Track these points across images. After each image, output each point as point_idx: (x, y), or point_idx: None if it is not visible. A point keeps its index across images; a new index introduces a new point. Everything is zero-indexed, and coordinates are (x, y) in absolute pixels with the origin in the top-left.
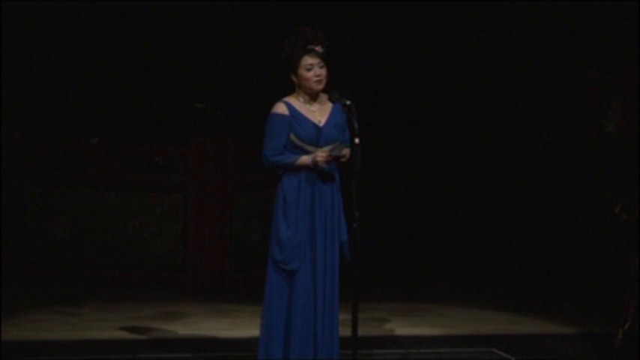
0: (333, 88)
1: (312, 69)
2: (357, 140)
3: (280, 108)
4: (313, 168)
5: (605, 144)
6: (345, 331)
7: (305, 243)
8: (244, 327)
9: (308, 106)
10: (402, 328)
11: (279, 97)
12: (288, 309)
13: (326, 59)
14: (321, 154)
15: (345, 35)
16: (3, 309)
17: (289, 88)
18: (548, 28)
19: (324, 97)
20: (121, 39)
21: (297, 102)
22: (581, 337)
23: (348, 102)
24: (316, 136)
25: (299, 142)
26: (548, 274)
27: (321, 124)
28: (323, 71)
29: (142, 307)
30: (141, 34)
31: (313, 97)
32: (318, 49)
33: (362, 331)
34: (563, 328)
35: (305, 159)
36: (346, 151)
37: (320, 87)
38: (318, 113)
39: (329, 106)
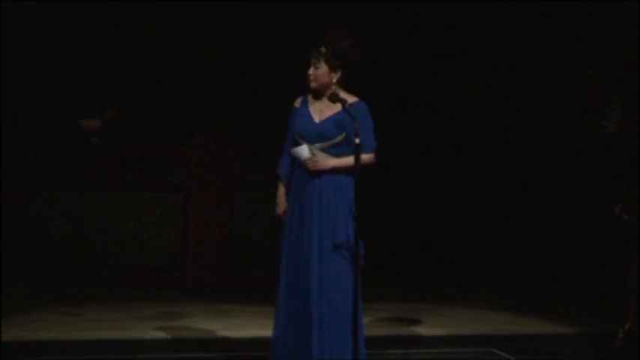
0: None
1: (310, 68)
2: (357, 140)
3: (296, 101)
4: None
5: (605, 144)
6: None
7: (284, 243)
8: (244, 327)
9: (317, 102)
10: (402, 328)
11: (278, 97)
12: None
13: (329, 60)
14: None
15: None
16: (3, 309)
17: (289, 88)
18: (548, 29)
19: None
20: (121, 39)
21: (311, 97)
22: (581, 337)
23: (349, 102)
24: (309, 132)
25: (296, 136)
26: (548, 274)
27: (318, 120)
28: (315, 72)
29: (142, 307)
30: (140, 34)
31: (321, 94)
32: (322, 49)
33: None
34: (563, 328)
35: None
36: (333, 162)
37: (312, 85)
38: (322, 111)
39: (338, 105)
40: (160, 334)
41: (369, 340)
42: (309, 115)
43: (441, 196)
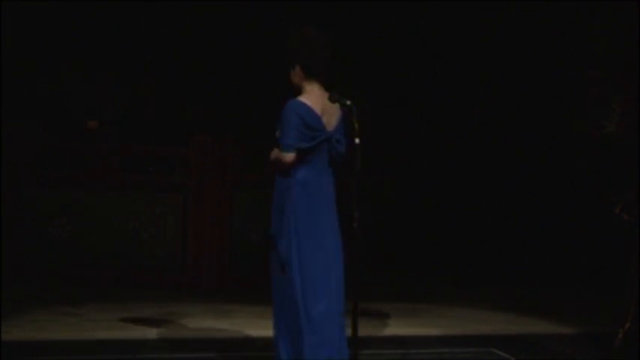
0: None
1: None
2: (357, 140)
3: None
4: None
5: (605, 144)
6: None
7: None
8: (244, 327)
9: None
10: (402, 328)
11: (278, 97)
12: None
13: (287, 60)
14: None
15: (345, 34)
16: (3, 309)
17: (289, 88)
18: (549, 28)
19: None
20: (120, 39)
21: None
22: (581, 337)
23: (348, 102)
24: None
25: None
26: (548, 274)
27: None
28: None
29: (142, 307)
30: (139, 34)
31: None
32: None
33: (362, 331)
34: (563, 328)
35: None
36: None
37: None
38: None
39: None
40: (160, 334)
41: (369, 340)
42: None
43: (441, 196)
